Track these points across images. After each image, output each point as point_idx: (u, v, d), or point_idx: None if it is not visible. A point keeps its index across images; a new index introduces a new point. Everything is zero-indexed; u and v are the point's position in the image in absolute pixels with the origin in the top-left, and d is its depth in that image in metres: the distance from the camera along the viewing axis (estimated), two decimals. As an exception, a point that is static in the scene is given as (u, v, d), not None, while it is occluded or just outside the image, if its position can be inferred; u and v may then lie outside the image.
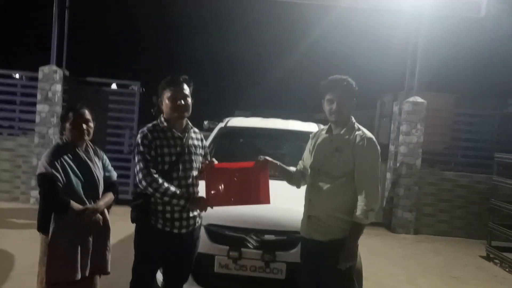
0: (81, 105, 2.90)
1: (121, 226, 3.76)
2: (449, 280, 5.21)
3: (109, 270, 2.95)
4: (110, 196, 2.98)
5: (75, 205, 2.71)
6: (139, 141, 2.80)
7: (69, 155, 2.80)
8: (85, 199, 2.79)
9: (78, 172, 2.80)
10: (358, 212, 2.68)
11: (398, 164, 7.40)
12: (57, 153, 2.76)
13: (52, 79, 7.19)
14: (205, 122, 8.69)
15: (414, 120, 7.26)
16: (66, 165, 2.75)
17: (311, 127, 5.16)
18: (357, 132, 2.80)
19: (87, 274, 2.80)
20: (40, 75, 7.16)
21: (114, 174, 3.10)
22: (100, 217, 2.85)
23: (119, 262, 3.48)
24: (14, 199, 7.25)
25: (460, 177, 7.33)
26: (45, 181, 2.68)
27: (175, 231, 2.81)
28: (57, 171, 2.68)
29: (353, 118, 2.89)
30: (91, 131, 2.89)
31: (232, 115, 8.86)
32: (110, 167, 3.08)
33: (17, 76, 7.90)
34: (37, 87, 7.20)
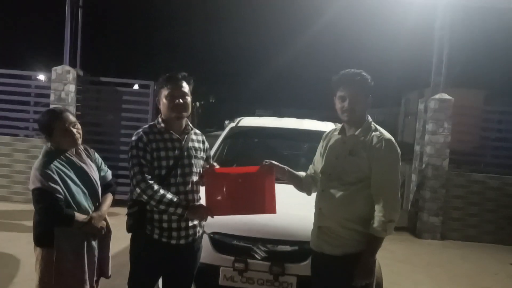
0: (62, 108, 2.72)
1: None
2: (478, 290, 4.84)
3: (110, 274, 2.81)
4: (110, 199, 2.82)
5: (80, 216, 2.54)
6: (134, 143, 2.57)
7: (62, 162, 2.58)
8: (88, 207, 2.62)
9: (77, 180, 2.59)
10: (376, 223, 2.39)
11: (423, 165, 6.99)
12: (49, 162, 2.53)
13: (65, 79, 7.09)
14: (226, 122, 8.47)
15: (440, 118, 6.83)
16: (64, 175, 2.54)
17: (327, 126, 4.86)
18: (373, 133, 2.50)
19: (94, 283, 2.68)
20: (53, 75, 7.07)
21: (109, 173, 2.91)
22: (105, 223, 2.71)
23: (125, 269, 3.24)
24: (29, 200, 7.18)
25: (490, 179, 6.86)
26: (44, 197, 2.46)
27: (173, 242, 2.57)
28: (56, 183, 2.47)
29: (369, 117, 2.59)
30: (81, 132, 2.68)
31: (253, 114, 8.62)
32: (104, 166, 2.88)
33: (41, 77, 7.85)
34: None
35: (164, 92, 2.62)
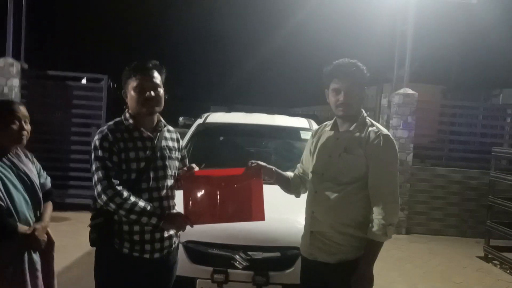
0: (14, 101, 2.45)
1: (86, 236, 3.15)
2: (452, 286, 4.81)
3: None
4: (50, 208, 2.51)
5: (22, 228, 2.23)
6: (97, 143, 2.19)
7: (3, 164, 2.25)
8: (29, 217, 2.30)
9: (18, 185, 2.27)
10: (375, 227, 2.17)
11: (388, 160, 6.95)
12: None
13: (8, 73, 6.44)
14: (180, 119, 8.06)
15: (405, 113, 6.82)
16: (5, 179, 2.22)
17: (300, 122, 4.63)
18: (370, 128, 2.28)
19: None
20: (-6, 68, 6.39)
21: (49, 180, 2.56)
22: (46, 235, 2.39)
23: (84, 281, 2.83)
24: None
25: (453, 173, 6.94)
26: None
27: (146, 256, 2.23)
28: None
29: (364, 112, 2.36)
30: (29, 133, 2.35)
31: (208, 110, 8.26)
32: (43, 172, 2.54)
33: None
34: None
35: (132, 83, 2.25)
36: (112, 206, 2.11)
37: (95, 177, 2.15)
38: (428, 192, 6.93)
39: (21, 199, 2.27)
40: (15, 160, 2.32)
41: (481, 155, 7.08)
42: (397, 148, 2.30)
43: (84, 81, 7.69)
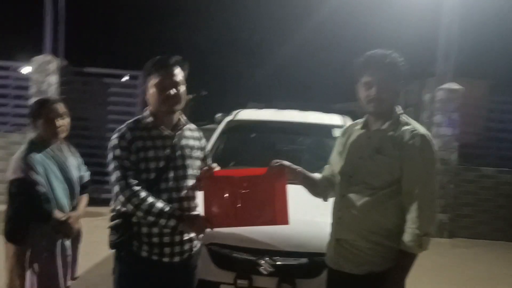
0: (54, 99, 2.73)
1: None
2: (497, 296, 4.48)
3: (77, 275, 2.71)
4: (85, 200, 2.74)
5: (58, 214, 2.45)
6: (115, 142, 2.12)
7: (46, 155, 2.49)
8: (65, 205, 2.52)
9: (59, 175, 2.51)
10: (408, 237, 1.97)
11: (430, 159, 6.60)
12: (33, 153, 2.43)
13: (47, 70, 6.58)
14: (218, 115, 8.03)
15: (449, 109, 6.43)
16: (48, 167, 2.45)
17: (333, 119, 4.42)
18: (405, 127, 2.07)
19: (67, 284, 2.59)
20: (33, 65, 6.55)
21: (87, 174, 2.79)
22: (79, 224, 2.63)
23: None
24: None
25: (501, 173, 6.49)
26: (25, 188, 2.36)
27: (165, 260, 2.14)
28: (39, 174, 2.38)
29: (398, 108, 2.16)
30: (67, 127, 2.59)
31: (245, 107, 8.16)
32: (83, 166, 2.78)
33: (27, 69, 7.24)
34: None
35: (153, 80, 2.16)
36: (130, 207, 2.04)
37: (113, 177, 2.09)
38: (474, 193, 6.52)
39: (60, 187, 2.47)
40: (58, 153, 2.55)
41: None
42: (435, 149, 2.08)
43: (125, 78, 7.79)
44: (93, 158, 6.78)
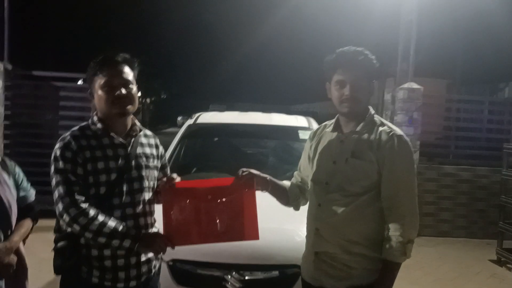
0: None
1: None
2: (466, 295, 4.47)
3: None
4: (26, 226, 2.27)
5: None
6: (58, 153, 1.84)
7: None
8: None
9: None
10: (392, 245, 1.84)
11: (393, 159, 6.60)
12: None
13: (-11, 74, 6.09)
14: (179, 118, 7.71)
15: (410, 109, 6.46)
16: None
17: (299, 121, 4.28)
18: (381, 128, 1.94)
19: None
20: (-26, 69, 6.04)
21: (32, 194, 2.36)
22: (15, 258, 2.14)
23: None
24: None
25: (461, 171, 6.57)
26: None
27: (120, 285, 1.88)
28: None
29: (371, 109, 2.01)
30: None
31: (207, 109, 7.93)
32: (25, 184, 2.33)
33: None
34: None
35: (99, 80, 1.90)
36: (76, 227, 1.77)
37: (56, 194, 1.81)
38: (436, 192, 6.56)
39: None
40: None
41: (491, 152, 6.73)
42: (413, 150, 1.95)
43: (80, 82, 7.39)
44: (45, 168, 6.31)
